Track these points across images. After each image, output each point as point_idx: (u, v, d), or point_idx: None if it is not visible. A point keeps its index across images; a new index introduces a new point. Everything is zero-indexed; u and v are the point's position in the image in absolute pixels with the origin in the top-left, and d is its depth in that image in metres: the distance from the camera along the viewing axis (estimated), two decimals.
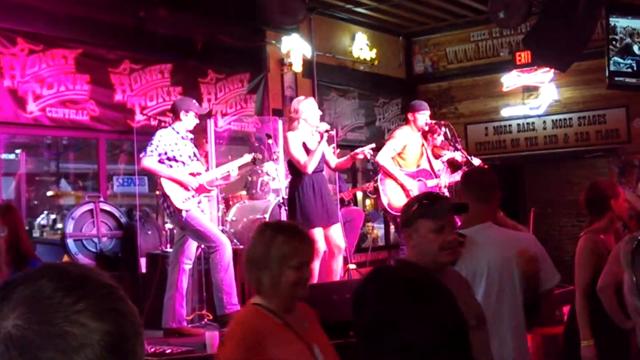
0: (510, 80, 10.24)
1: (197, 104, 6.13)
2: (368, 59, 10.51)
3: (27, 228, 7.51)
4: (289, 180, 6.34)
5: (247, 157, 6.31)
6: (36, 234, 8.98)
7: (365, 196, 10.50)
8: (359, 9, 10.04)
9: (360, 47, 10.44)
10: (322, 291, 5.13)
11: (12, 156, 9.60)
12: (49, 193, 10.52)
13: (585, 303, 4.08)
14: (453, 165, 7.31)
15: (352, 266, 6.55)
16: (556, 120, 10.46)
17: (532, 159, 10.80)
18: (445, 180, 6.95)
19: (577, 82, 10.09)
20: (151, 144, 5.76)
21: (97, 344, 0.88)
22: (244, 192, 7.35)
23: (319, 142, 5.92)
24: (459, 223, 3.32)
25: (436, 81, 11.39)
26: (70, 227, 6.86)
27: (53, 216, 9.64)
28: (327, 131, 5.95)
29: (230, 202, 7.25)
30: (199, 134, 6.61)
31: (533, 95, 10.48)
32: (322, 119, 6.25)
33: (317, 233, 5.75)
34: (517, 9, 8.52)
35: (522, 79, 10.20)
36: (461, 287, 2.74)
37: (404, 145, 6.87)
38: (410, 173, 6.87)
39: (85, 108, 7.29)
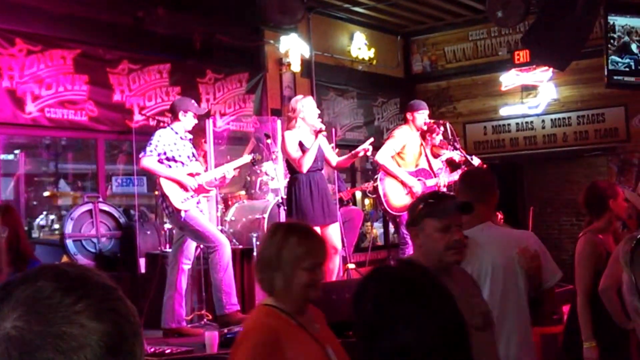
0: (509, 79, 10.24)
1: (195, 104, 6.13)
2: (366, 58, 10.51)
3: (26, 228, 7.52)
4: (287, 179, 6.34)
5: (247, 158, 6.32)
6: (35, 234, 8.97)
7: (364, 196, 10.49)
8: (357, 9, 10.03)
9: (359, 46, 10.43)
10: (321, 291, 5.11)
11: (10, 157, 9.59)
12: (48, 193, 10.50)
13: (587, 304, 4.07)
14: (452, 165, 7.31)
15: (351, 266, 6.54)
16: (555, 119, 10.46)
17: (531, 158, 10.79)
18: (444, 179, 6.95)
19: (575, 81, 10.09)
20: (150, 144, 5.77)
21: (96, 344, 0.88)
22: (242, 192, 7.35)
23: (314, 141, 5.92)
24: None
25: (435, 80, 11.38)
26: (69, 228, 6.85)
27: (52, 216, 9.63)
28: (320, 130, 5.94)
29: (229, 202, 7.25)
30: (197, 134, 6.61)
31: (532, 94, 10.47)
32: (320, 118, 6.25)
33: None
34: (515, 8, 8.52)
35: (520, 78, 10.19)
36: (468, 286, 2.74)
37: (403, 144, 6.86)
38: (410, 172, 6.86)
39: (83, 108, 7.28)
